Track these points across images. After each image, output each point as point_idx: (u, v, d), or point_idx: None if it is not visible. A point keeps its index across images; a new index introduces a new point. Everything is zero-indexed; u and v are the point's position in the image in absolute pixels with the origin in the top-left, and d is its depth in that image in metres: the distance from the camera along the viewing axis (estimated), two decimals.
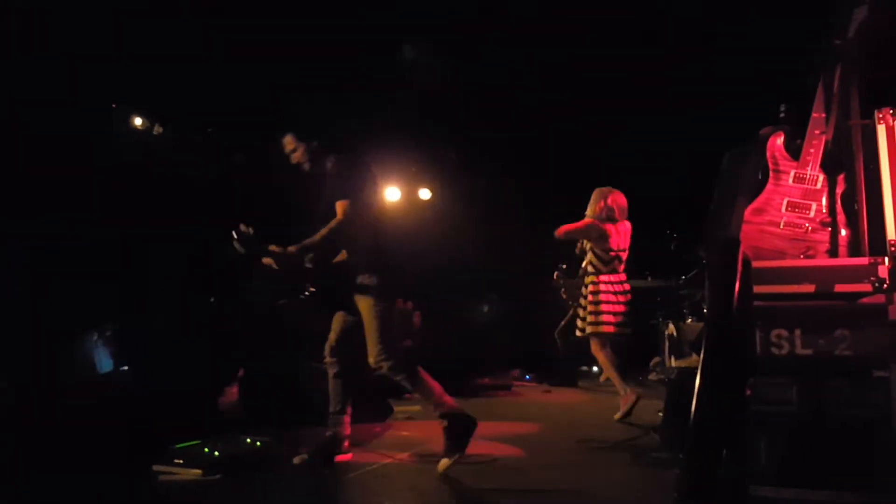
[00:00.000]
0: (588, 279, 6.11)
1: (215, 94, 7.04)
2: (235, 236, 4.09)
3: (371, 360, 4.25)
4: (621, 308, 5.98)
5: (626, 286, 6.05)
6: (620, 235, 6.08)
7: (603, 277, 6.00)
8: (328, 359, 4.51)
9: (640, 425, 5.39)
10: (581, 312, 6.12)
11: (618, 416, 5.76)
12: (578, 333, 6.14)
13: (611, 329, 5.94)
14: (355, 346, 4.36)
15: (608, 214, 6.04)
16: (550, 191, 9.57)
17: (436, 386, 4.28)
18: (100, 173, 6.09)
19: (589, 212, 6.12)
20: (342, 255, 4.43)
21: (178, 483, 3.97)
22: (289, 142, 4.49)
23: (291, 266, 4.25)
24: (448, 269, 9.36)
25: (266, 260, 4.25)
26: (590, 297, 5.99)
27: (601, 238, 6.00)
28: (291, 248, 4.19)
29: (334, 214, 4.23)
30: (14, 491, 3.76)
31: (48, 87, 5.70)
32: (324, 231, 4.21)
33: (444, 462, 4.10)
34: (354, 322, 4.35)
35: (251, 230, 4.13)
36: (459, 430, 4.16)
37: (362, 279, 4.27)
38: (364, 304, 4.27)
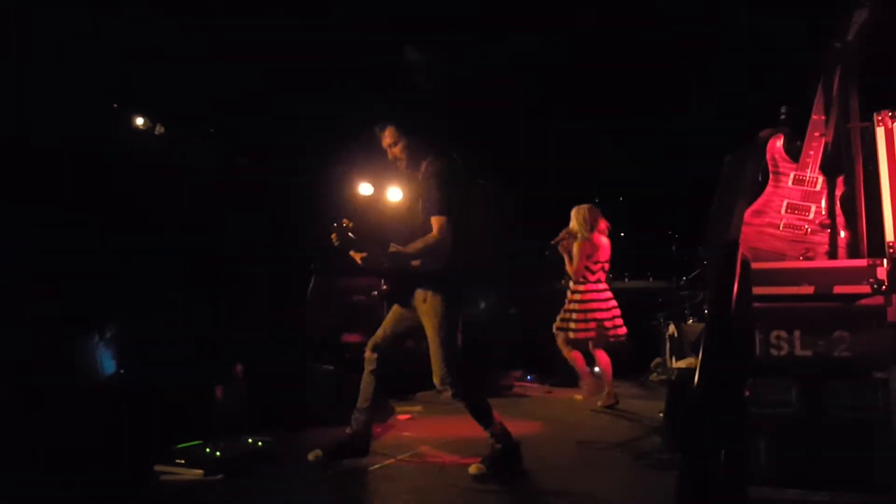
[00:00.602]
0: (576, 287, 6.55)
1: (217, 95, 7.05)
2: (335, 226, 4.07)
3: (435, 380, 4.13)
4: (613, 313, 6.53)
5: (610, 293, 6.59)
6: (604, 249, 6.58)
7: (591, 287, 6.51)
8: (368, 353, 4.34)
9: (642, 426, 5.40)
10: (568, 317, 6.54)
11: (600, 404, 6.43)
12: (572, 335, 6.51)
13: (592, 335, 6.46)
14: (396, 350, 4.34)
15: (593, 228, 6.56)
16: (553, 193, 9.58)
17: (495, 414, 4.23)
18: (101, 173, 6.10)
19: (577, 227, 6.60)
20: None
21: (179, 483, 3.99)
22: (389, 134, 4.30)
23: (377, 268, 4.20)
24: (475, 261, 9.36)
25: (354, 255, 4.16)
26: (578, 306, 6.48)
27: (594, 251, 6.50)
28: (384, 256, 4.12)
29: (426, 220, 4.11)
30: (16, 491, 3.78)
31: (50, 87, 5.71)
32: (418, 245, 4.10)
33: (478, 467, 4.07)
34: (410, 326, 4.25)
35: (350, 224, 4.08)
36: (503, 460, 4.14)
37: (439, 281, 4.13)
38: (431, 317, 4.12)
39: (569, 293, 6.61)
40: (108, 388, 5.29)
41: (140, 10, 5.88)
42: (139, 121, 7.09)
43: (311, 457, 4.21)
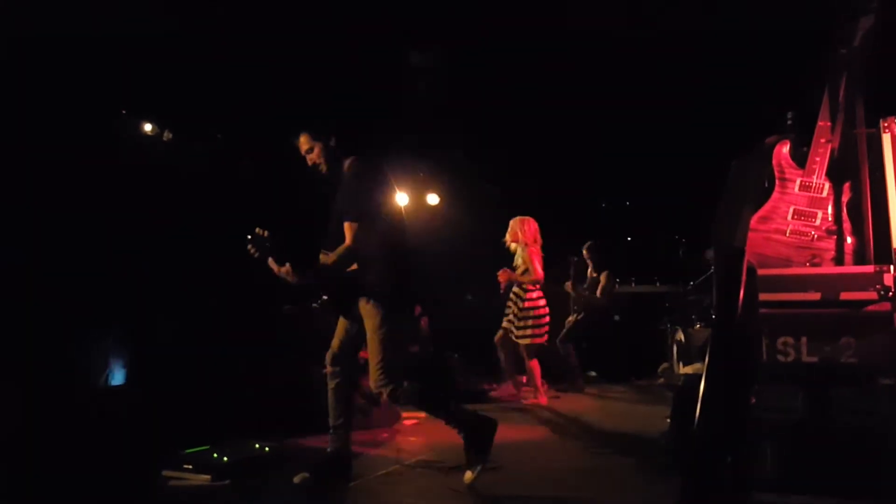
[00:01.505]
0: (532, 294, 6.91)
1: (223, 99, 7.08)
2: (250, 238, 3.93)
3: (371, 383, 4.03)
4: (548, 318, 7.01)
5: None
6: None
7: (541, 293, 6.95)
8: (329, 368, 4.22)
9: (648, 430, 5.38)
10: (522, 322, 6.90)
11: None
12: (529, 341, 6.91)
13: (545, 339, 7.02)
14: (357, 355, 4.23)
15: (536, 239, 7.00)
16: (556, 197, 9.59)
17: (444, 406, 4.12)
18: (109, 179, 6.13)
19: (525, 238, 6.98)
20: (353, 267, 4.10)
21: (186, 488, 4.00)
22: (304, 141, 4.19)
23: (299, 282, 4.00)
24: (455, 275, 9.39)
25: (273, 266, 3.98)
26: (534, 312, 6.87)
27: (540, 260, 6.94)
28: (297, 275, 3.95)
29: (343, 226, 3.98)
30: (24, 495, 3.80)
31: (59, 93, 5.75)
32: (333, 257, 3.97)
33: (469, 475, 4.00)
34: (360, 331, 4.10)
35: (266, 233, 3.94)
36: (480, 438, 4.04)
37: (372, 288, 4.01)
38: (370, 319, 4.01)
39: (520, 301, 6.92)
40: (115, 393, 5.31)
41: (149, 15, 5.92)
42: (147, 126, 7.13)
43: (296, 480, 4.05)
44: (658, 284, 10.25)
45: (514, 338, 6.95)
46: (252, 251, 3.92)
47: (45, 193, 5.51)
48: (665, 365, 8.65)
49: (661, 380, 8.45)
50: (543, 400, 6.98)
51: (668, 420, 4.90)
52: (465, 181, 9.76)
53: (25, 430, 4.43)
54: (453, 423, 4.09)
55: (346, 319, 4.19)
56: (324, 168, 4.18)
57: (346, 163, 4.15)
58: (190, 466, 4.11)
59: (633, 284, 10.11)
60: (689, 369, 6.87)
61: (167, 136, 7.19)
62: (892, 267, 3.24)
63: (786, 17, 5.91)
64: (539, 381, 7.03)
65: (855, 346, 3.25)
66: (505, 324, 7.03)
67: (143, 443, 4.47)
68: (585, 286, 8.58)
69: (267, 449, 4.58)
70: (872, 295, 3.25)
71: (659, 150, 9.32)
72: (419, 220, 9.59)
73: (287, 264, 3.92)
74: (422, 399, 4.11)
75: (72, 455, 4.23)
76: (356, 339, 4.15)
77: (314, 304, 4.41)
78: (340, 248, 3.96)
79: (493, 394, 7.46)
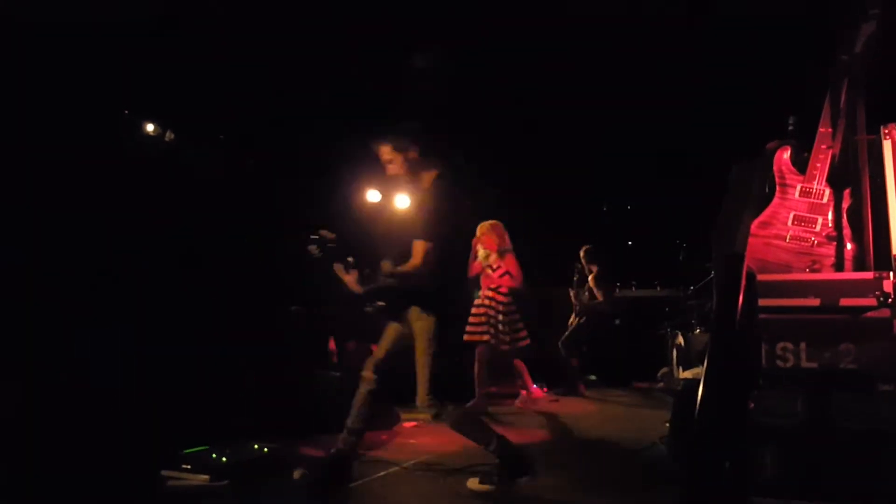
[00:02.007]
0: (507, 298, 6.84)
1: (227, 100, 7.09)
2: (314, 238, 4.00)
3: (418, 400, 4.09)
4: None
5: None
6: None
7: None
8: (369, 374, 4.20)
9: (647, 435, 5.39)
10: (512, 327, 6.86)
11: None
12: (520, 344, 6.90)
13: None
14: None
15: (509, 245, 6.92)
16: (558, 201, 9.60)
17: (492, 431, 4.14)
18: (111, 178, 6.13)
19: (500, 242, 6.90)
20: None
21: (185, 488, 4.01)
22: (386, 151, 4.24)
23: (361, 291, 4.13)
24: (455, 279, 9.38)
25: (340, 272, 4.11)
26: (518, 316, 6.85)
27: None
28: (360, 286, 4.09)
29: (411, 239, 4.07)
30: (22, 494, 3.80)
31: (60, 93, 5.76)
32: (401, 271, 4.06)
33: (476, 484, 4.02)
34: (407, 344, 4.16)
35: (333, 236, 4.03)
36: (509, 472, 4.04)
37: (431, 304, 4.10)
38: (425, 334, 4.08)
39: (500, 306, 6.82)
40: (116, 392, 5.31)
41: (152, 16, 5.93)
42: (149, 127, 7.14)
43: (296, 475, 4.12)
44: (658, 289, 10.25)
45: (505, 346, 6.79)
46: (314, 251, 4.00)
47: (45, 193, 5.51)
48: (665, 369, 8.66)
49: (661, 384, 8.45)
50: (539, 392, 7.03)
51: (668, 425, 4.91)
52: (465, 183, 9.77)
53: (25, 429, 4.43)
54: (491, 450, 4.07)
55: (399, 328, 4.23)
56: (406, 177, 4.26)
57: (426, 177, 4.23)
58: (189, 466, 4.12)
59: (634, 289, 10.11)
60: (688, 374, 6.88)
61: (169, 136, 7.19)
62: (891, 273, 3.24)
63: (787, 22, 5.92)
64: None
65: (854, 351, 3.24)
66: (487, 337, 6.76)
67: (142, 443, 4.47)
68: (586, 290, 8.59)
69: (266, 450, 4.58)
70: (872, 301, 3.25)
71: (660, 154, 9.33)
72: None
73: (351, 273, 4.06)
74: (461, 424, 4.14)
75: (71, 454, 4.23)
76: (401, 352, 4.20)
77: (367, 308, 4.41)
78: (408, 266, 4.04)
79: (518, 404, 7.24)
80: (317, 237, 3.99)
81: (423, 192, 4.21)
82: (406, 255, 4.08)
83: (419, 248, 4.02)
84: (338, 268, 4.07)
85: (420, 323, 4.08)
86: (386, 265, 4.13)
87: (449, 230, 4.20)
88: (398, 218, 4.26)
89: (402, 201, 9.38)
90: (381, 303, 4.18)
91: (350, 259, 4.06)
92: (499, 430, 4.20)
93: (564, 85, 8.15)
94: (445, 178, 4.26)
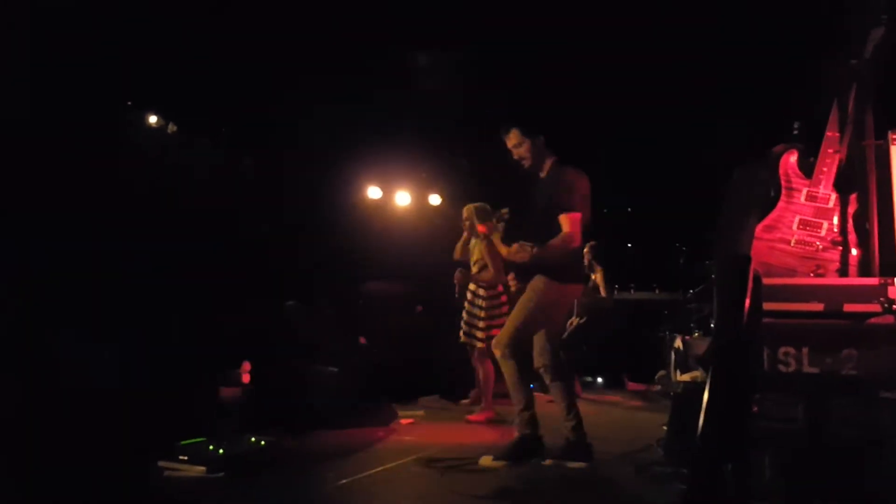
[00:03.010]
0: (494, 292, 6.28)
1: (228, 94, 7.08)
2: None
3: (495, 339, 4.49)
4: None
5: None
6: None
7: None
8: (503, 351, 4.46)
9: (645, 438, 5.37)
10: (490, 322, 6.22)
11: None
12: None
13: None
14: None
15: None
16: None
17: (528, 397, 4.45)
18: (113, 171, 6.11)
19: (490, 225, 6.03)
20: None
21: (181, 480, 3.99)
22: (514, 135, 4.55)
23: (519, 260, 4.42)
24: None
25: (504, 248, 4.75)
26: (506, 308, 6.10)
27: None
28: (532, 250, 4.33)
29: (551, 219, 4.34)
30: (18, 486, 3.78)
31: (63, 85, 5.73)
32: (557, 242, 4.30)
33: (488, 460, 4.29)
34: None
35: (506, 215, 4.76)
36: (525, 449, 4.35)
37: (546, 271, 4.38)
38: (532, 288, 4.41)
39: (487, 300, 6.25)
40: (112, 386, 5.29)
41: (156, 8, 5.91)
42: (152, 119, 7.12)
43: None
44: (657, 292, 10.24)
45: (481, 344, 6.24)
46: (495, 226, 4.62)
47: (45, 189, 5.49)
48: (662, 372, 8.64)
49: (659, 387, 8.43)
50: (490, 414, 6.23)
51: (665, 428, 4.89)
52: (467, 182, 9.76)
53: (23, 422, 4.41)
54: (523, 420, 4.44)
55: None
56: (528, 163, 4.57)
57: (547, 163, 4.58)
58: (185, 458, 4.10)
59: (633, 291, 10.10)
60: (686, 377, 6.84)
61: (171, 128, 7.18)
62: None
63: (795, 26, 5.91)
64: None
65: (857, 358, 3.24)
66: (480, 334, 6.26)
67: (138, 434, 4.45)
68: (590, 285, 8.52)
69: (263, 443, 4.56)
70: (876, 307, 3.24)
71: (661, 157, 9.32)
72: (421, 220, 9.60)
73: (515, 244, 4.42)
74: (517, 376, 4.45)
75: (67, 444, 4.21)
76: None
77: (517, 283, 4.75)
78: (562, 234, 4.30)
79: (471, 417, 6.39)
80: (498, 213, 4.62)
81: (552, 174, 4.52)
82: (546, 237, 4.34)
83: (567, 219, 4.30)
84: (496, 240, 4.89)
85: (534, 282, 4.41)
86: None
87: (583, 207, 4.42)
88: (539, 204, 4.52)
89: (404, 197, 9.42)
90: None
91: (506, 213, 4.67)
92: (495, 429, 4.20)
93: (565, 85, 8.14)
94: (563, 165, 4.54)
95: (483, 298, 6.26)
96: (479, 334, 6.23)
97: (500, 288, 6.26)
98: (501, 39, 7.58)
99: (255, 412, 5.25)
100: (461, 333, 6.40)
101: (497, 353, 4.43)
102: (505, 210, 4.39)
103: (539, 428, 4.47)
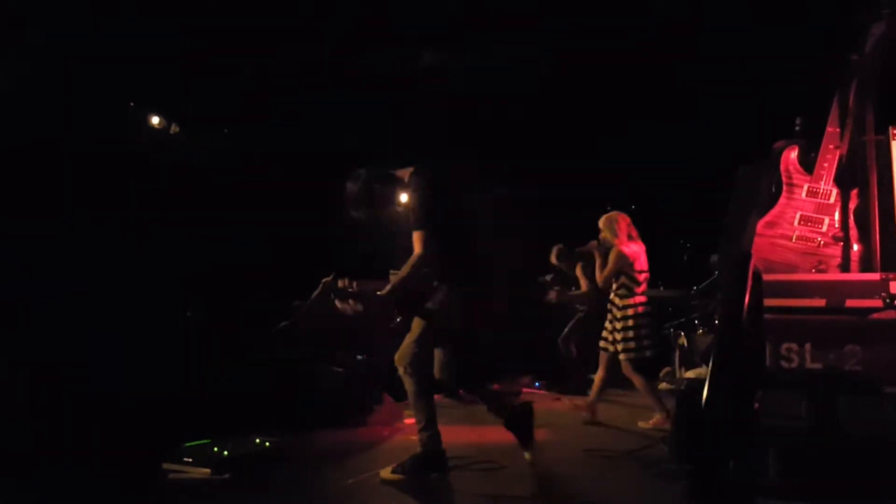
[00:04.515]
0: (622, 301, 5.94)
1: (230, 95, 7.09)
2: (334, 293, 4.18)
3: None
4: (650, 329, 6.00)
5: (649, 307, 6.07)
6: (643, 256, 6.06)
7: (638, 299, 5.94)
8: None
9: (649, 435, 5.37)
10: (617, 335, 5.95)
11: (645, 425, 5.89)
12: (622, 356, 5.94)
13: (648, 353, 5.93)
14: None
15: (629, 235, 6.00)
16: (561, 199, 9.58)
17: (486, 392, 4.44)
18: (114, 172, 6.13)
19: (609, 235, 6.00)
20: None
21: (186, 481, 4.00)
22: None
23: (383, 306, 4.24)
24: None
25: (345, 305, 4.23)
26: (630, 322, 5.87)
27: (632, 262, 5.94)
28: (381, 294, 4.14)
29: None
30: (24, 487, 3.80)
31: (66, 86, 5.75)
32: (405, 269, 4.09)
33: (529, 455, 4.28)
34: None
35: (347, 283, 4.22)
36: (520, 423, 4.30)
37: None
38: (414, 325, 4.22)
39: (616, 310, 5.99)
40: (118, 387, 5.31)
41: (159, 9, 5.93)
42: (154, 119, 7.14)
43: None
44: (662, 289, 10.22)
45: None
46: (337, 302, 4.21)
47: (48, 190, 5.51)
48: (667, 369, 8.63)
49: (664, 384, 8.42)
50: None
51: (670, 424, 4.90)
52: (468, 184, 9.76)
53: (27, 423, 4.43)
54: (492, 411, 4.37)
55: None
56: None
57: (409, 173, 4.26)
58: (190, 459, 4.11)
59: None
60: (691, 374, 6.85)
61: (174, 129, 7.19)
62: None
63: (796, 22, 5.90)
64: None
65: (859, 353, 3.24)
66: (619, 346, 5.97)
67: (143, 436, 4.47)
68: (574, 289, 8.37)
69: (268, 444, 4.58)
70: (878, 303, 3.24)
71: (665, 154, 9.31)
72: None
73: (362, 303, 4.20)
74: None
75: (72, 445, 4.22)
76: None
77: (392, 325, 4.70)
78: (412, 257, 4.07)
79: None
80: (335, 290, 4.21)
81: (409, 186, 4.24)
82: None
83: (417, 237, 4.04)
84: (340, 304, 4.23)
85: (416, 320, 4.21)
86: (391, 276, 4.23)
87: (449, 219, 4.18)
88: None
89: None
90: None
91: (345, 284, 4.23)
92: (500, 426, 4.21)
93: (567, 85, 8.14)
94: (428, 169, 4.26)
95: (628, 307, 5.97)
96: (618, 347, 5.97)
97: (639, 300, 5.99)
98: (500, 41, 7.58)
99: (261, 412, 5.26)
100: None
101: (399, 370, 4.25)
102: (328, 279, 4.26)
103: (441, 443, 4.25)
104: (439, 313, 4.18)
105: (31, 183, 5.42)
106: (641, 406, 6.89)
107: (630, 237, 6.00)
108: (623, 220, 6.01)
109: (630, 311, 5.89)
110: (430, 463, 4.15)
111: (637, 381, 5.91)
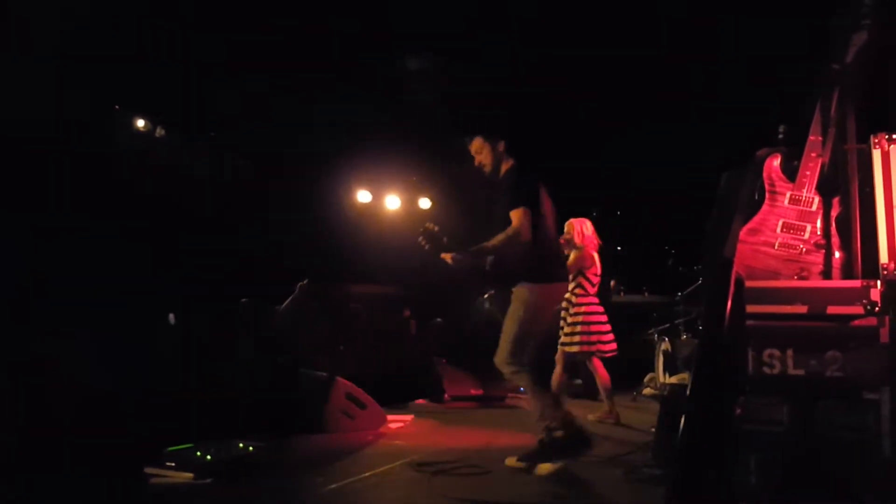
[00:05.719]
0: (577, 300, 6.33)
1: (218, 99, 7.07)
2: (423, 233, 4.32)
3: (496, 358, 4.39)
4: (609, 327, 6.41)
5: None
6: (599, 262, 6.49)
7: (592, 299, 6.37)
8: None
9: (633, 441, 5.39)
10: (566, 328, 6.35)
11: (592, 417, 6.30)
12: (574, 349, 6.31)
13: (605, 347, 6.32)
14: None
15: (592, 242, 6.46)
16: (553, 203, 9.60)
17: (554, 396, 4.51)
18: (101, 175, 6.11)
19: (578, 241, 6.41)
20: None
21: (169, 486, 3.98)
22: (476, 143, 4.64)
23: (468, 266, 4.42)
24: (446, 279, 9.38)
25: (446, 257, 4.41)
26: (580, 318, 6.28)
27: (591, 265, 6.38)
28: (469, 251, 4.37)
29: (506, 217, 4.34)
30: (8, 491, 3.77)
31: (53, 89, 5.72)
32: (501, 237, 4.32)
33: (548, 467, 4.27)
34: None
35: (436, 228, 4.35)
36: (571, 445, 4.32)
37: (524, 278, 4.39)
38: (516, 297, 4.38)
39: (571, 307, 6.34)
40: (104, 392, 5.27)
41: (144, 13, 5.91)
42: (140, 123, 7.11)
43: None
44: (646, 294, 10.27)
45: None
46: (424, 244, 4.36)
47: (41, 192, 5.48)
48: (651, 375, 8.66)
49: (647, 390, 8.45)
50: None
51: (654, 430, 4.92)
52: (457, 186, 9.78)
53: (11, 427, 4.40)
54: (553, 421, 4.33)
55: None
56: (488, 169, 4.64)
57: (505, 166, 4.62)
58: (173, 464, 4.10)
59: (622, 293, 10.11)
60: (674, 379, 6.87)
61: (160, 132, 7.17)
62: (879, 282, 3.26)
63: (779, 31, 5.95)
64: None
65: (841, 359, 3.25)
66: (571, 339, 6.39)
67: (126, 440, 4.44)
68: None
69: (251, 449, 4.56)
70: (859, 309, 3.26)
71: (651, 160, 9.36)
72: (411, 224, 9.59)
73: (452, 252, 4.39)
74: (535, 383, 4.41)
75: (56, 450, 4.19)
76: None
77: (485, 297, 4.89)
78: (508, 229, 4.31)
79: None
80: (425, 232, 4.35)
81: (505, 174, 4.58)
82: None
83: (514, 215, 4.30)
84: (444, 255, 4.40)
85: (517, 290, 4.41)
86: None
87: (537, 204, 4.43)
88: (496, 211, 4.51)
89: (394, 201, 9.41)
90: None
91: (433, 228, 4.40)
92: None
93: (554, 90, 8.16)
94: (520, 169, 4.58)
95: (580, 305, 6.37)
96: (577, 339, 6.34)
97: (593, 300, 6.42)
98: (498, 40, 7.60)
99: (244, 417, 5.24)
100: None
101: (506, 372, 4.42)
102: (431, 225, 4.36)
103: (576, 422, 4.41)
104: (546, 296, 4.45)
105: (17, 184, 5.39)
106: (625, 411, 6.92)
107: (593, 245, 6.48)
108: (589, 226, 6.51)
109: (583, 309, 6.30)
110: (577, 442, 4.33)
111: (600, 373, 6.31)
